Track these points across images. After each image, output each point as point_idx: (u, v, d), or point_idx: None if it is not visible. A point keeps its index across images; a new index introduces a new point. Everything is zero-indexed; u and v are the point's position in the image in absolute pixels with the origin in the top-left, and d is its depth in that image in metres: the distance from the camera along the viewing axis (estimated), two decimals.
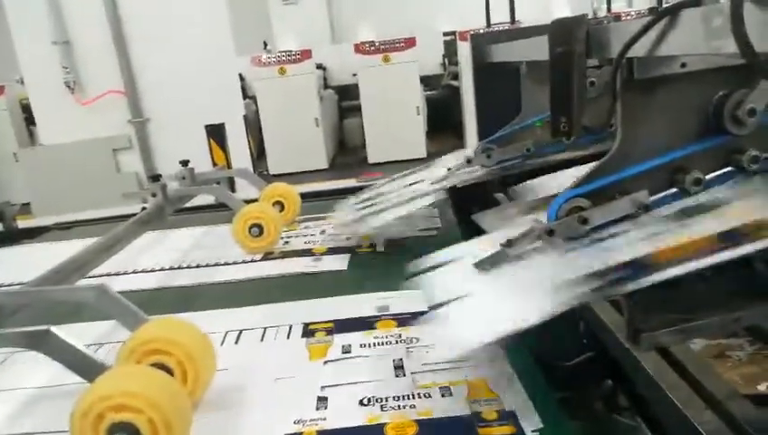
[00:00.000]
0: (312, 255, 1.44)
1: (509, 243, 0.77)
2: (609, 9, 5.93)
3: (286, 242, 1.57)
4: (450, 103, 6.35)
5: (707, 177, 0.77)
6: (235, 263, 1.46)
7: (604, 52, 0.83)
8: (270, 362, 0.94)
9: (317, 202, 1.95)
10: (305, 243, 1.54)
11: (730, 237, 0.69)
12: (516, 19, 5.06)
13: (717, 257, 0.69)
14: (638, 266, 0.67)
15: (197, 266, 1.47)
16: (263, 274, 1.36)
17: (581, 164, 1.08)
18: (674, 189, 0.78)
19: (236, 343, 1.02)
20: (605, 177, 0.77)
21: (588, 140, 1.10)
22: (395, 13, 7.88)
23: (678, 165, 0.77)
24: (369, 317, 1.04)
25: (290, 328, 1.04)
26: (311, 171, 5.78)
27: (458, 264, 0.84)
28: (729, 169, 0.78)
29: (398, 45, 5.84)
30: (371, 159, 5.98)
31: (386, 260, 1.37)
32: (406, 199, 1.31)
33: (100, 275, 1.38)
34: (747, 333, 1.48)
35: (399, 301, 1.08)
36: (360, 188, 1.71)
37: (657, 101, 0.76)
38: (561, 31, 0.91)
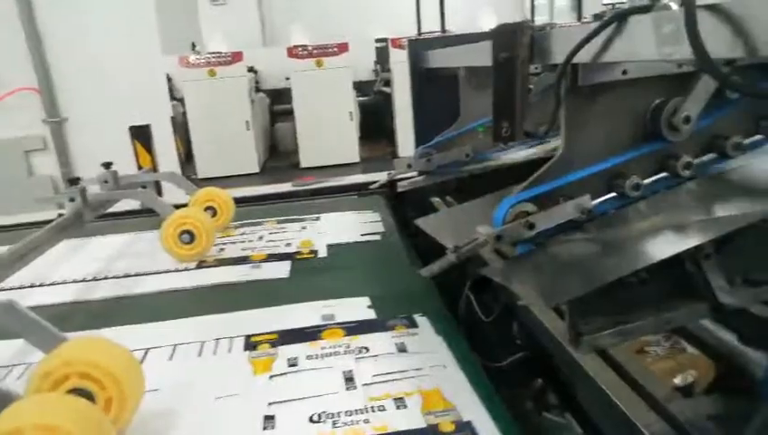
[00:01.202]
0: (251, 262, 1.38)
1: (456, 248, 0.75)
2: (532, 20, 6.17)
3: (221, 249, 1.49)
4: (383, 109, 6.39)
5: (645, 181, 0.79)
6: (166, 271, 1.37)
7: (548, 58, 0.84)
8: (209, 379, 0.87)
9: (251, 207, 1.88)
10: (242, 250, 1.47)
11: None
12: (446, 28, 5.16)
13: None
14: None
15: (123, 276, 1.37)
16: (197, 283, 1.28)
17: (522, 169, 1.10)
18: (613, 193, 0.80)
19: (170, 359, 0.95)
20: (550, 181, 0.77)
21: (527, 145, 1.12)
22: (327, 18, 7.84)
23: (618, 170, 0.79)
24: (315, 327, 0.99)
25: (231, 341, 0.98)
26: (241, 175, 5.63)
27: None
28: (664, 174, 0.81)
29: (331, 50, 5.81)
30: (304, 164, 5.91)
31: (328, 266, 1.33)
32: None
33: (11, 289, 1.26)
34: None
35: (345, 308, 1.05)
36: (296, 193, 1.66)
37: (600, 108, 0.77)
38: (505, 36, 0.91)
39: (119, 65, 3.11)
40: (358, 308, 1.04)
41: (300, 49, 5.84)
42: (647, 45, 0.57)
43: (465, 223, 0.86)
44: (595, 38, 0.67)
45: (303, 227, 1.59)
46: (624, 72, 0.74)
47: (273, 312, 1.08)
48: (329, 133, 5.84)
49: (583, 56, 0.70)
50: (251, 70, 6.29)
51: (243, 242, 1.54)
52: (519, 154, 1.15)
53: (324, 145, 5.85)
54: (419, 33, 5.51)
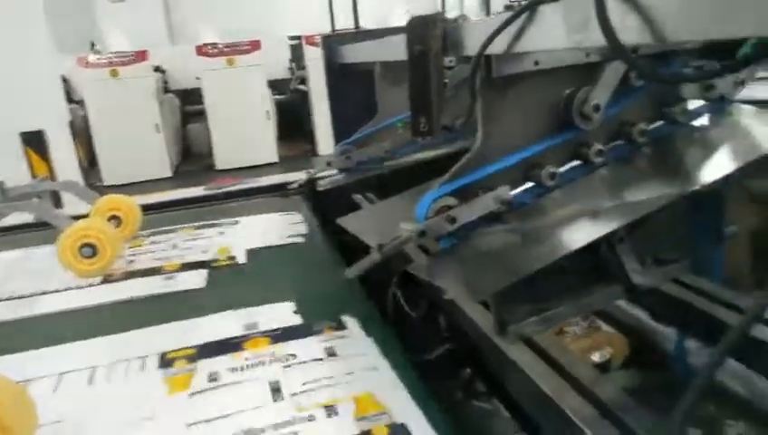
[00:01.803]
0: (164, 273, 1.29)
1: (380, 247, 0.73)
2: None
3: (130, 261, 1.39)
4: (300, 108, 6.30)
5: (560, 169, 0.80)
6: (66, 289, 1.25)
7: (461, 50, 0.83)
8: (119, 404, 0.80)
9: (163, 214, 1.76)
10: (155, 260, 1.37)
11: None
12: (360, 25, 5.15)
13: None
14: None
15: (18, 298, 1.23)
16: (103, 300, 1.18)
17: (442, 163, 1.09)
18: (531, 183, 0.80)
19: (74, 386, 0.86)
20: (469, 174, 0.77)
21: (446, 139, 1.12)
22: (238, 16, 7.60)
23: (535, 160, 0.80)
24: (237, 337, 0.93)
25: (143, 360, 0.90)
26: (153, 180, 5.35)
27: None
28: (578, 162, 0.83)
29: (242, 48, 5.64)
30: (219, 166, 5.71)
31: (249, 272, 1.26)
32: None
33: None
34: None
35: (269, 315, 1.00)
36: (211, 197, 1.58)
37: (514, 99, 0.77)
38: (418, 29, 0.90)
39: (2, 66, 2.84)
40: (283, 314, 0.99)
41: (210, 47, 5.63)
42: (558, 34, 0.57)
43: (387, 220, 0.84)
44: (507, 28, 0.67)
45: (221, 233, 1.51)
46: (536, 63, 0.74)
47: (190, 325, 1.01)
48: (245, 133, 5.68)
49: (496, 47, 0.70)
50: (158, 69, 5.99)
51: (154, 252, 1.43)
52: (439, 148, 1.15)
53: (240, 146, 5.68)
54: (333, 30, 5.46)
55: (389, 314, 1.22)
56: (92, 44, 6.40)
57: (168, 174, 5.67)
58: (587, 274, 0.87)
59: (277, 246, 1.37)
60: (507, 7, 5.43)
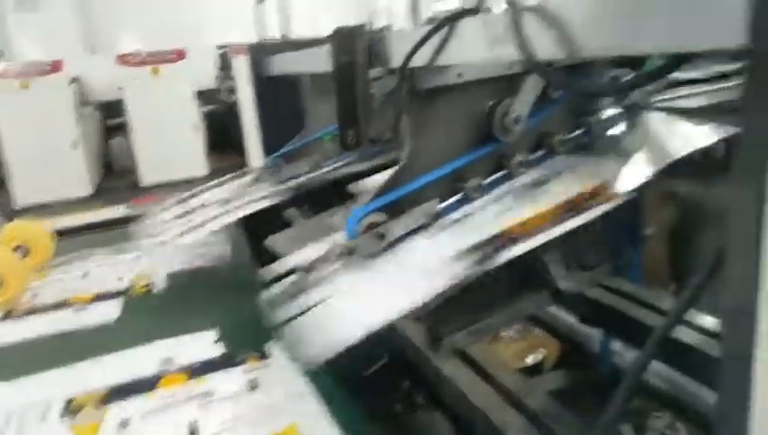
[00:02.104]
0: (73, 305, 1.18)
1: (309, 267, 0.71)
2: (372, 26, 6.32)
3: (35, 295, 1.26)
4: (230, 119, 6.13)
5: (485, 181, 0.81)
6: None
7: (386, 62, 0.83)
8: None
9: (77, 238, 1.64)
10: (64, 291, 1.26)
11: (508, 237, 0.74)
12: (289, 34, 5.10)
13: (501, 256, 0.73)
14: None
15: None
16: (2, 340, 1.07)
17: (370, 175, 1.09)
18: (459, 195, 0.81)
19: None
20: (397, 189, 0.76)
21: (375, 151, 1.11)
22: (161, 24, 7.33)
23: (461, 172, 0.80)
24: (152, 376, 0.87)
25: (45, 408, 0.81)
26: (71, 201, 5.03)
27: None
28: (501, 173, 0.84)
29: (167, 57, 5.43)
30: (145, 182, 5.43)
31: (168, 299, 1.18)
32: (194, 226, 1.17)
33: None
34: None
35: (188, 347, 0.93)
36: (132, 218, 1.49)
37: (439, 112, 0.78)
38: (343, 41, 0.89)
39: None
40: (203, 345, 0.93)
41: (132, 56, 5.39)
42: (477, 47, 0.58)
43: (316, 238, 0.82)
44: (430, 41, 0.67)
45: (140, 257, 1.41)
46: (460, 75, 0.75)
47: (101, 364, 0.93)
48: (171, 146, 5.44)
49: (420, 60, 0.70)
50: (75, 80, 5.67)
51: (64, 282, 1.32)
52: (371, 160, 1.13)
53: (167, 159, 5.43)
54: (261, 39, 5.37)
55: None
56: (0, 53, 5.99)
57: (89, 192, 5.36)
58: (517, 282, 0.88)
59: (200, 268, 1.29)
60: (430, 20, 5.53)
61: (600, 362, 1.03)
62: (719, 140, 0.80)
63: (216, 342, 0.95)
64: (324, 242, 0.74)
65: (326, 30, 0.94)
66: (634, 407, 0.97)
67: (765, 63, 0.30)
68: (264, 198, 1.15)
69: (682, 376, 0.83)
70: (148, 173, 6.08)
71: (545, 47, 0.46)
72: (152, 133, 5.86)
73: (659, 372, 0.84)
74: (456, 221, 0.76)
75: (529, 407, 0.82)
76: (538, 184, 0.79)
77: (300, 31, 5.28)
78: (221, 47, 7.01)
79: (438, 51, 0.66)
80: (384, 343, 1.15)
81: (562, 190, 0.75)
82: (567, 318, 1.12)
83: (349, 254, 0.71)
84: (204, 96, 6.56)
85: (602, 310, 0.93)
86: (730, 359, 0.35)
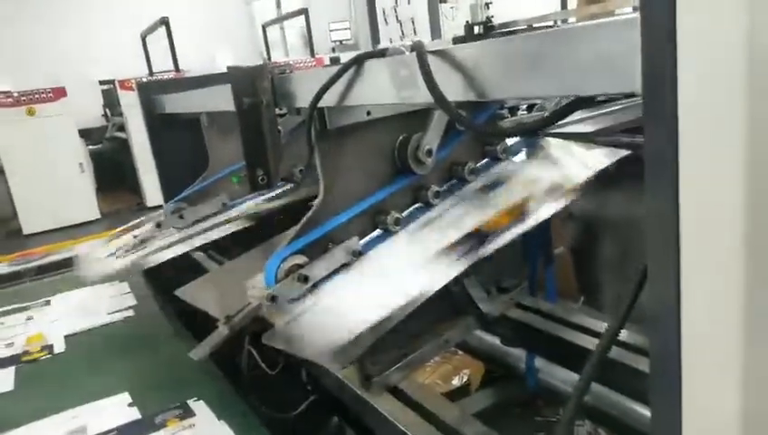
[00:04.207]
0: None
1: (228, 319, 0.67)
2: (269, 57, 6.26)
3: None
4: (121, 156, 5.79)
5: (404, 214, 0.81)
6: None
7: (292, 101, 0.81)
8: None
9: None
10: None
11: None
12: (180, 67, 4.91)
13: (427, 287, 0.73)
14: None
15: None
16: None
17: (286, 214, 1.05)
18: (379, 231, 0.80)
19: None
20: (316, 229, 0.74)
21: (286, 190, 1.08)
22: (35, 60, 6.81)
23: (379, 207, 0.80)
24: None
25: None
26: None
27: None
28: (418, 205, 0.84)
29: (44, 96, 5.06)
30: (27, 230, 4.99)
31: (70, 363, 1.08)
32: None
33: None
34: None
35: (99, 414, 0.85)
36: (16, 275, 1.34)
37: (352, 149, 0.77)
38: (245, 80, 0.86)
39: None
40: (116, 410, 0.85)
41: (3, 96, 4.95)
42: (386, 88, 0.58)
43: (233, 285, 0.78)
44: (338, 81, 0.66)
45: (29, 318, 1.28)
46: (368, 113, 0.75)
47: None
48: (56, 190, 5.05)
49: (328, 100, 0.69)
50: None
51: None
52: (282, 198, 1.10)
53: (52, 205, 5.03)
54: (151, 74, 5.13)
55: (245, 374, 1.13)
56: None
57: None
58: (442, 312, 0.89)
59: (103, 325, 1.19)
60: (333, 60, 5.59)
61: (527, 380, 1.06)
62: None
63: (130, 405, 0.87)
64: (244, 289, 0.70)
65: (222, 62, 0.91)
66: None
67: (654, 105, 0.32)
68: (172, 245, 1.08)
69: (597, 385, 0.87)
70: (31, 220, 5.58)
71: (449, 90, 0.47)
72: (32, 177, 5.39)
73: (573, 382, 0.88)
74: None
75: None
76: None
77: (195, 64, 5.11)
78: (104, 82, 6.60)
79: (347, 92, 0.65)
80: (312, 380, 1.12)
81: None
82: (491, 340, 1.14)
83: (271, 301, 0.68)
84: (87, 134, 6.13)
85: (523, 329, 0.96)
86: (657, 363, 0.36)
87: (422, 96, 0.51)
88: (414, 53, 0.51)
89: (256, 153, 0.87)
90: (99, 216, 5.24)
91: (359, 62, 0.61)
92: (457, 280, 0.83)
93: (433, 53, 0.50)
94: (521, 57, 0.41)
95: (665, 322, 0.35)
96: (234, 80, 0.87)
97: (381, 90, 0.59)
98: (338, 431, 1.14)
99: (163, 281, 1.26)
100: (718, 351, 0.33)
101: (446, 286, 0.78)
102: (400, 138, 0.81)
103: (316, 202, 0.75)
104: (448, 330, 0.90)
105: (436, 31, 6.52)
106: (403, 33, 6.96)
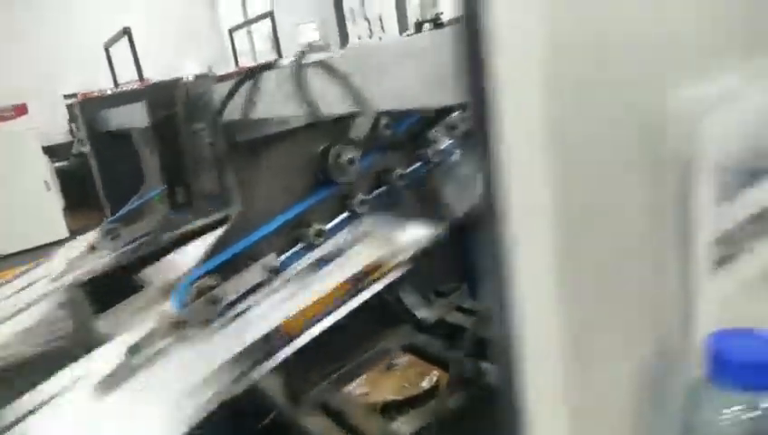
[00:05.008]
0: None
1: (133, 349, 0.64)
2: (236, 63, 6.19)
3: None
4: (88, 173, 5.67)
5: (327, 226, 0.79)
6: None
7: (208, 114, 0.78)
8: None
9: None
10: None
11: (356, 280, 0.72)
12: (146, 78, 4.83)
13: (353, 302, 0.71)
14: (275, 339, 0.62)
15: None
16: None
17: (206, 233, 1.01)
18: (300, 245, 0.78)
19: None
20: (231, 247, 0.72)
21: (213, 206, 1.04)
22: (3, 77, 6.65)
23: (300, 220, 0.77)
24: None
25: None
26: None
27: (70, 394, 0.66)
28: (345, 214, 0.82)
29: (5, 114, 4.95)
30: None
31: None
32: (15, 311, 1.03)
33: None
34: None
35: None
36: None
37: (267, 162, 0.74)
38: (161, 95, 0.83)
39: None
40: None
41: None
42: (279, 101, 0.55)
43: (145, 310, 0.74)
44: (241, 95, 0.64)
45: None
46: (279, 124, 0.72)
47: None
48: (21, 210, 4.94)
49: (233, 113, 0.66)
50: None
51: None
52: (213, 215, 1.06)
53: (17, 225, 4.92)
54: (116, 85, 5.04)
55: None
56: None
57: None
58: (374, 323, 0.87)
59: (37, 355, 1.13)
60: (262, 67, 5.50)
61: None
62: None
63: None
64: (151, 316, 0.67)
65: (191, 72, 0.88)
66: None
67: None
68: (101, 264, 1.04)
69: None
70: None
71: (327, 100, 0.45)
72: None
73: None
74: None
75: None
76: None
77: (156, 71, 5.03)
78: (69, 96, 6.46)
79: (248, 104, 0.63)
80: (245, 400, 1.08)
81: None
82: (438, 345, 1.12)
83: (179, 326, 0.65)
84: (53, 151, 6.00)
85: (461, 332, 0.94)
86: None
87: (297, 108, 0.49)
88: (292, 64, 0.48)
89: (175, 171, 0.84)
90: (67, 234, 5.12)
91: (251, 75, 0.59)
92: (391, 289, 0.81)
93: (314, 64, 0.48)
94: (370, 68, 0.39)
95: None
96: (149, 94, 0.84)
97: (275, 103, 0.57)
98: None
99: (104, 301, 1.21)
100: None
101: (377, 296, 0.76)
102: (321, 147, 0.78)
103: (231, 219, 0.73)
104: (383, 340, 0.88)
105: (404, 28, 6.51)
106: (371, 32, 6.93)
